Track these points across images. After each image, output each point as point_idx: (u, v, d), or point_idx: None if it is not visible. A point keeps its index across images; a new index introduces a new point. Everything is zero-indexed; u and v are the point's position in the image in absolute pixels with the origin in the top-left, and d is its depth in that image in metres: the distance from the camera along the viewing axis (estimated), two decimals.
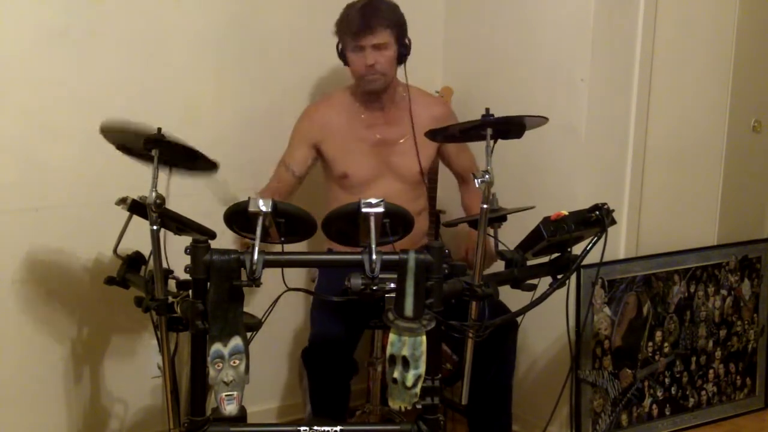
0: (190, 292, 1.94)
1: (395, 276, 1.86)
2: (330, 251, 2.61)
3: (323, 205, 2.67)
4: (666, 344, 2.99)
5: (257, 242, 1.83)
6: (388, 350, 1.85)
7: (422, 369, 1.86)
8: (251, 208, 1.86)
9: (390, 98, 2.67)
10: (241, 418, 1.94)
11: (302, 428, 1.96)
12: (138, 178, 2.10)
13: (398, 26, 2.57)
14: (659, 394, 2.99)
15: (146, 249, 2.10)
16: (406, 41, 2.61)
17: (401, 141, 2.66)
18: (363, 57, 2.54)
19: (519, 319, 2.34)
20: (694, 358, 3.07)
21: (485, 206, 2.02)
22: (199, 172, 2.14)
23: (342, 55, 2.63)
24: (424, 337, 1.84)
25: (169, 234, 2.18)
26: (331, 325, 2.42)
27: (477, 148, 2.80)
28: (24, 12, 2.44)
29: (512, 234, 2.21)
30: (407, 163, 2.67)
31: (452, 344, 2.57)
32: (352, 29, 2.53)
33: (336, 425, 1.97)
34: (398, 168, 2.68)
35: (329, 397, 2.48)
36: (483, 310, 2.10)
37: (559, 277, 2.17)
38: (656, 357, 2.97)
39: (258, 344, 2.08)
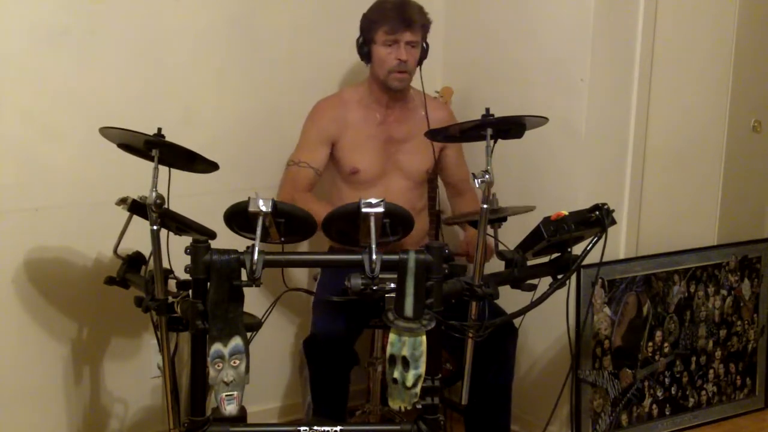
0: (190, 292, 1.94)
1: (395, 276, 1.86)
2: (332, 250, 2.60)
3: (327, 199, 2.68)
4: (666, 344, 2.99)
5: (257, 242, 1.83)
6: (388, 350, 1.85)
7: (422, 369, 1.86)
8: (251, 208, 1.86)
9: (403, 97, 2.69)
10: (241, 418, 1.94)
11: (302, 428, 1.96)
12: (138, 178, 2.10)
13: (426, 28, 2.62)
14: (659, 394, 2.99)
15: (146, 249, 2.10)
16: (425, 44, 2.64)
17: (410, 140, 2.67)
18: (396, 51, 2.55)
19: (519, 319, 2.34)
20: (694, 358, 3.07)
21: (485, 206, 2.02)
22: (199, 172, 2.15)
23: (363, 49, 2.62)
24: (424, 337, 1.84)
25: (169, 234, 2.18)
26: (333, 319, 2.42)
27: (477, 148, 2.80)
28: (24, 11, 2.44)
29: (512, 234, 2.21)
30: (414, 162, 2.69)
31: (450, 347, 2.56)
32: (390, 22, 2.54)
33: (336, 425, 1.97)
34: (405, 166, 2.69)
35: (330, 387, 2.48)
36: (483, 310, 2.10)
37: (559, 277, 2.17)
38: (656, 357, 2.97)
39: (258, 344, 2.08)
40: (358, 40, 2.63)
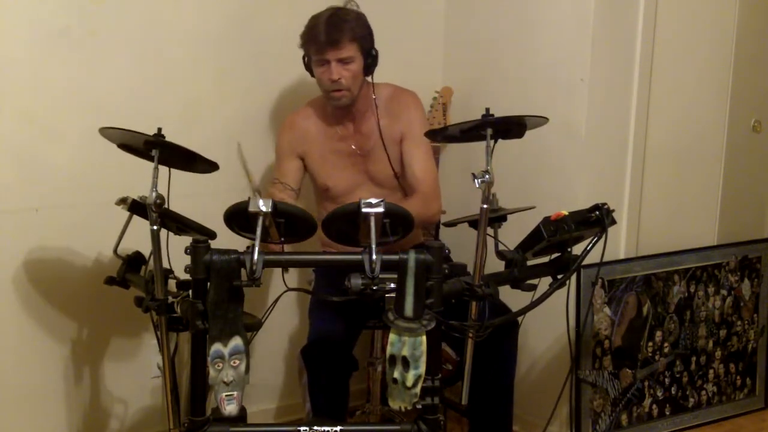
0: (190, 292, 1.94)
1: (395, 276, 1.86)
2: (325, 254, 2.60)
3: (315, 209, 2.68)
4: (666, 344, 2.99)
5: (257, 242, 1.83)
6: (388, 350, 1.85)
7: (422, 369, 1.86)
8: (251, 208, 1.86)
9: (360, 109, 2.61)
10: (241, 418, 1.94)
11: (302, 428, 1.95)
12: (138, 178, 2.10)
13: (364, 38, 2.51)
14: (659, 394, 2.99)
15: (146, 249, 2.10)
16: (373, 52, 2.54)
17: (376, 148, 2.62)
18: (328, 71, 2.49)
19: (519, 319, 2.34)
20: (694, 358, 3.07)
21: (485, 206, 2.02)
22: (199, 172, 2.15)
23: (309, 67, 2.57)
24: (424, 337, 1.84)
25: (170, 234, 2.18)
26: (330, 323, 2.42)
27: (477, 147, 2.79)
28: (24, 12, 2.44)
29: (512, 234, 2.21)
30: (383, 170, 2.63)
31: (453, 345, 2.56)
32: (316, 42, 2.47)
33: (336, 425, 1.97)
34: (375, 175, 2.65)
35: (329, 394, 2.47)
36: (483, 310, 2.10)
37: (559, 277, 2.17)
38: (656, 357, 2.97)
39: (258, 344, 2.08)
40: (303, 57, 2.56)
